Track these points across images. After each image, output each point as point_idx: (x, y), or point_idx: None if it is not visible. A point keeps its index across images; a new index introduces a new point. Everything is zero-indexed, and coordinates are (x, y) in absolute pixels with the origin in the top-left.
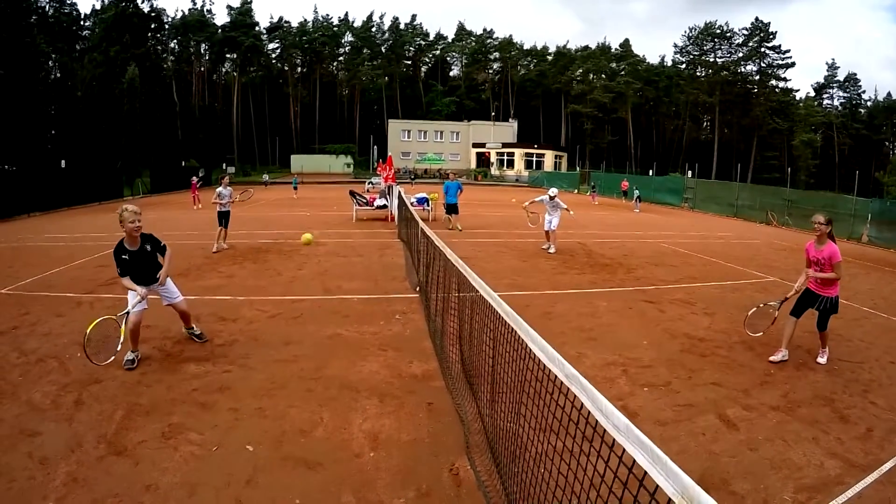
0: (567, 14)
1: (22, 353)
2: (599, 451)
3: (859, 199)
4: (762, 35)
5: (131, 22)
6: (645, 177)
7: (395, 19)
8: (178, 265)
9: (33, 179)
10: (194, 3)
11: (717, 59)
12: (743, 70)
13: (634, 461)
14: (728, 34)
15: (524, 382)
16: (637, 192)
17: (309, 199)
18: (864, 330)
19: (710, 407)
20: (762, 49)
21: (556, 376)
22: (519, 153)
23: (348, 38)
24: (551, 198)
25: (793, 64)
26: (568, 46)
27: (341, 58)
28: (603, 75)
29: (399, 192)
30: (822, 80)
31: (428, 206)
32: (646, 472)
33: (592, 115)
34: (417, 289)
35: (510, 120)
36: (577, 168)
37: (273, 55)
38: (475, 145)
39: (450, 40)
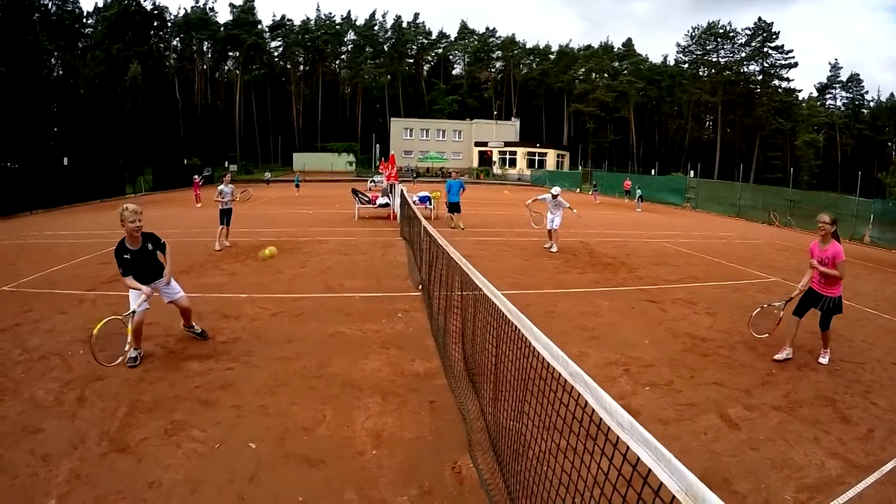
0: (569, 13)
1: (25, 350)
2: (603, 449)
3: (862, 199)
4: (765, 35)
5: (134, 20)
6: (647, 176)
7: (398, 18)
8: (180, 263)
9: (36, 177)
10: (197, 1)
11: (720, 59)
12: (745, 70)
13: (639, 459)
14: (731, 34)
15: (527, 380)
16: (639, 191)
17: (311, 198)
18: (865, 331)
19: (712, 406)
20: (765, 49)
21: (559, 374)
22: (521, 152)
23: (351, 36)
24: (553, 196)
25: (795, 64)
26: (570, 45)
27: (344, 56)
28: (605, 74)
29: (402, 190)
30: (824, 81)
31: (430, 204)
32: (650, 470)
33: (595, 114)
34: (420, 287)
35: (512, 119)
36: (580, 167)
37: (275, 53)
38: (477, 144)
39: (452, 39)
